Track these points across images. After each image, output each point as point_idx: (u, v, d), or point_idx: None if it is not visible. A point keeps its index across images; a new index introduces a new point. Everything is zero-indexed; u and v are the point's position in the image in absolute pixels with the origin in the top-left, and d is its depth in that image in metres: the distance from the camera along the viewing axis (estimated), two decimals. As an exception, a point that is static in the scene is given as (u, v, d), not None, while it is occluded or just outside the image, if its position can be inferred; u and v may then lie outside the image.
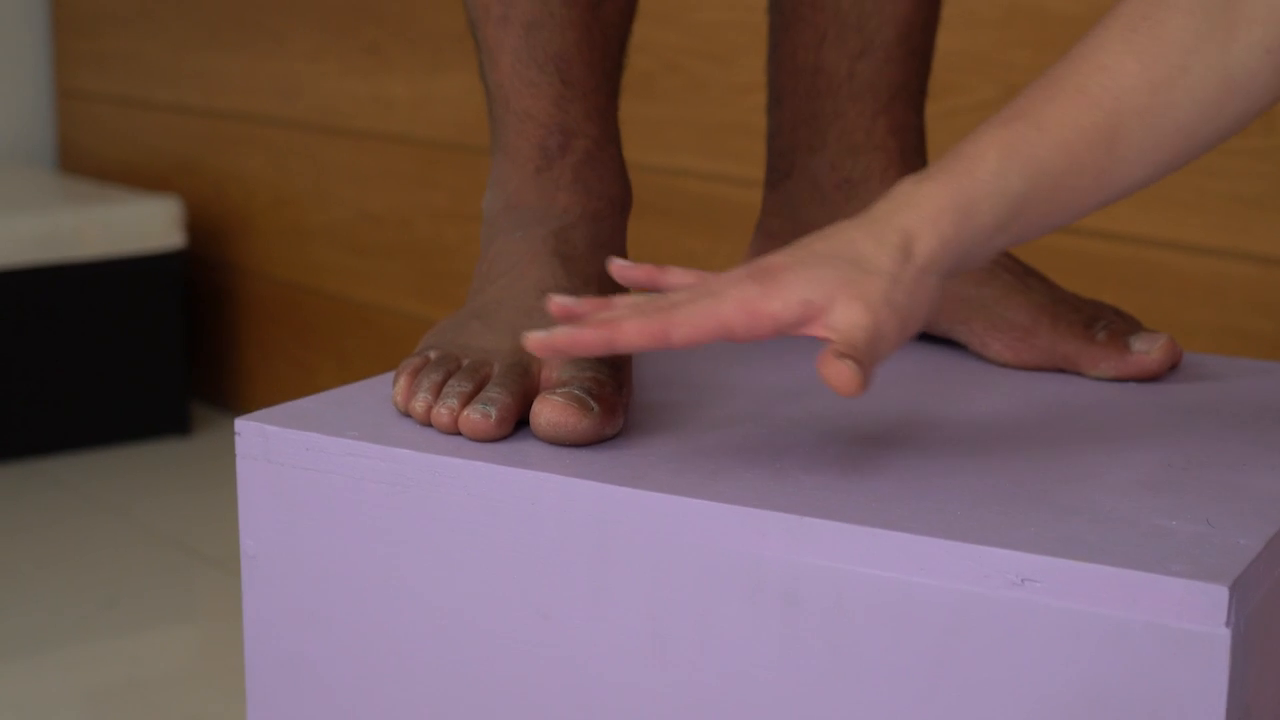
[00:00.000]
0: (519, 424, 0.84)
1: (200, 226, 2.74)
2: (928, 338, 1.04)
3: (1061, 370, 0.96)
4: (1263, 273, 1.53)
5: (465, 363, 0.86)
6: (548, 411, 0.81)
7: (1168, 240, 1.59)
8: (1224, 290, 1.56)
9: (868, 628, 0.72)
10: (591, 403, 0.81)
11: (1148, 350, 0.93)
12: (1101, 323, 0.95)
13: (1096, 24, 0.80)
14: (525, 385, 0.84)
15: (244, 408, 2.71)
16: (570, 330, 0.75)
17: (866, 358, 0.74)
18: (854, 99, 1.02)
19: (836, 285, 0.75)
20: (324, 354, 2.54)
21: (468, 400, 0.83)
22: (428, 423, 0.84)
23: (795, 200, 1.04)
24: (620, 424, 0.83)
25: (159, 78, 2.77)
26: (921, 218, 0.77)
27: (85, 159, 2.97)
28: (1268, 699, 0.73)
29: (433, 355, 0.87)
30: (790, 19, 1.03)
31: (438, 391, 0.84)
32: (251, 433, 0.86)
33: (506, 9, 0.95)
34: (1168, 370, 0.95)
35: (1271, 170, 1.51)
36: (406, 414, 0.86)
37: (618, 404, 0.83)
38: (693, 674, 0.76)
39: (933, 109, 1.76)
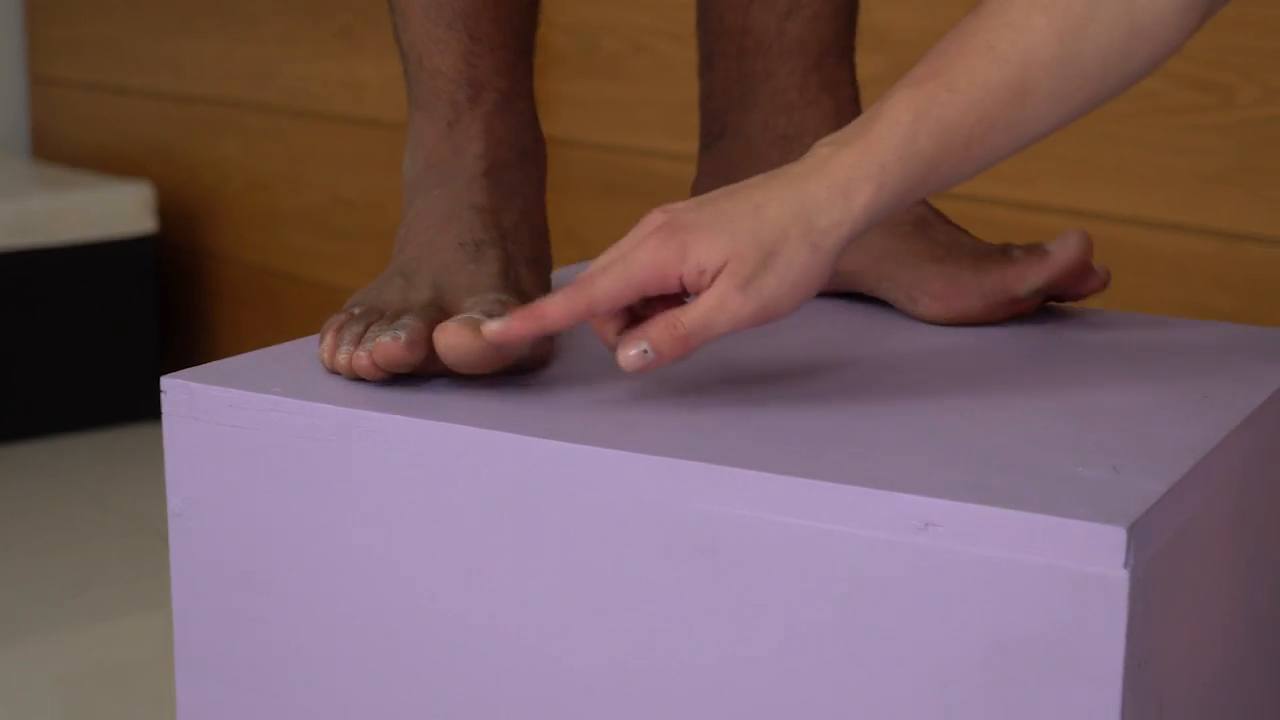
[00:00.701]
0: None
1: (173, 211, 2.74)
2: (856, 296, 1.04)
3: (991, 313, 0.97)
4: (1224, 248, 1.54)
5: (387, 314, 0.86)
6: (442, 336, 0.81)
7: (1131, 216, 1.60)
8: (1186, 265, 1.56)
9: (779, 574, 0.72)
10: (489, 322, 0.81)
11: (1064, 244, 0.95)
12: (1016, 248, 0.97)
13: None
14: (439, 318, 0.85)
15: (219, 393, 2.71)
16: (501, 324, 0.80)
17: (691, 336, 0.79)
18: (785, 57, 1.03)
19: (725, 255, 0.79)
20: (296, 338, 2.54)
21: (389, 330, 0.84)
22: (353, 374, 0.85)
23: (729, 160, 1.05)
24: (524, 348, 0.84)
25: (132, 64, 2.77)
26: (832, 185, 0.79)
27: (59, 145, 2.97)
28: (1175, 646, 0.73)
29: (356, 311, 0.88)
30: None
31: (359, 342, 0.85)
32: (177, 390, 0.87)
33: None
34: (1090, 255, 0.96)
35: (1232, 146, 1.52)
36: (334, 370, 0.86)
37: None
38: (611, 622, 0.76)
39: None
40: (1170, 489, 0.71)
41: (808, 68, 1.03)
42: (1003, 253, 0.98)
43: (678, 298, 0.82)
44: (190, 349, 2.77)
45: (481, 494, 0.79)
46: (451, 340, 0.81)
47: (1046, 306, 1.03)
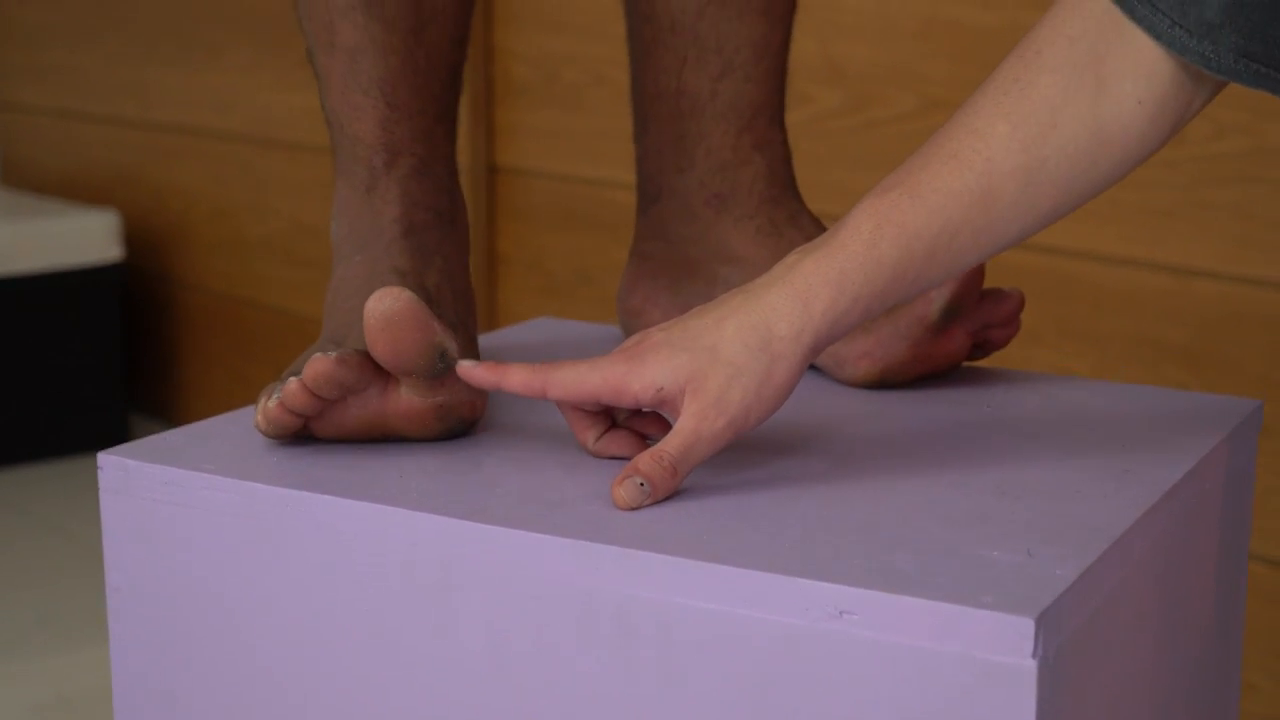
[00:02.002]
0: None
1: (139, 238, 2.74)
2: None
3: (919, 359, 0.98)
4: (1176, 283, 1.55)
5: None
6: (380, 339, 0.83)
7: (1083, 251, 1.61)
8: (1138, 300, 1.57)
9: (696, 659, 0.73)
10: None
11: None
12: (945, 309, 0.98)
13: (973, 93, 0.83)
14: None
15: (184, 420, 2.72)
16: (469, 365, 0.84)
17: (678, 464, 0.80)
18: (718, 119, 1.04)
19: (686, 376, 0.81)
20: (263, 365, 2.55)
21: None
22: (283, 415, 0.86)
23: (666, 221, 1.06)
24: (463, 409, 0.87)
25: (96, 91, 2.78)
26: (792, 293, 0.81)
27: (25, 171, 2.98)
28: (1090, 725, 0.75)
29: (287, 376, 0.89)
30: (650, 45, 1.05)
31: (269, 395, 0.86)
32: (113, 467, 0.88)
33: (332, 36, 0.98)
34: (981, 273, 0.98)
35: (1182, 181, 1.53)
36: (269, 430, 0.87)
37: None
38: (531, 704, 0.77)
39: (852, 120, 1.78)
40: (1082, 575, 0.72)
41: (740, 128, 1.04)
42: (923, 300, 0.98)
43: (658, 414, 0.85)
44: (157, 376, 2.77)
45: (406, 572, 0.80)
46: (313, 368, 0.82)
47: (976, 369, 1.04)
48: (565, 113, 2.07)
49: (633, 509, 0.79)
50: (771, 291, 0.81)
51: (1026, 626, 0.67)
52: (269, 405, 0.86)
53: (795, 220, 1.04)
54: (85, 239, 2.54)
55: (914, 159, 0.82)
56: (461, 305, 0.96)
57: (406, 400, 0.86)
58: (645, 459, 0.80)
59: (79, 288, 2.55)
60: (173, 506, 0.86)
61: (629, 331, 1.09)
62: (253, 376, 2.57)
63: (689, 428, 0.80)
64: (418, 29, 0.98)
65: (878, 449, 0.90)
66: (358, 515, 0.81)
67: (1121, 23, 0.80)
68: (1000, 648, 0.68)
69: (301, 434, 0.88)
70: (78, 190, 2.85)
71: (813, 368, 1.04)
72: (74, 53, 2.81)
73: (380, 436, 0.88)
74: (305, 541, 0.82)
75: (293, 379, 0.84)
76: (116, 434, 2.60)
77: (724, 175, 1.04)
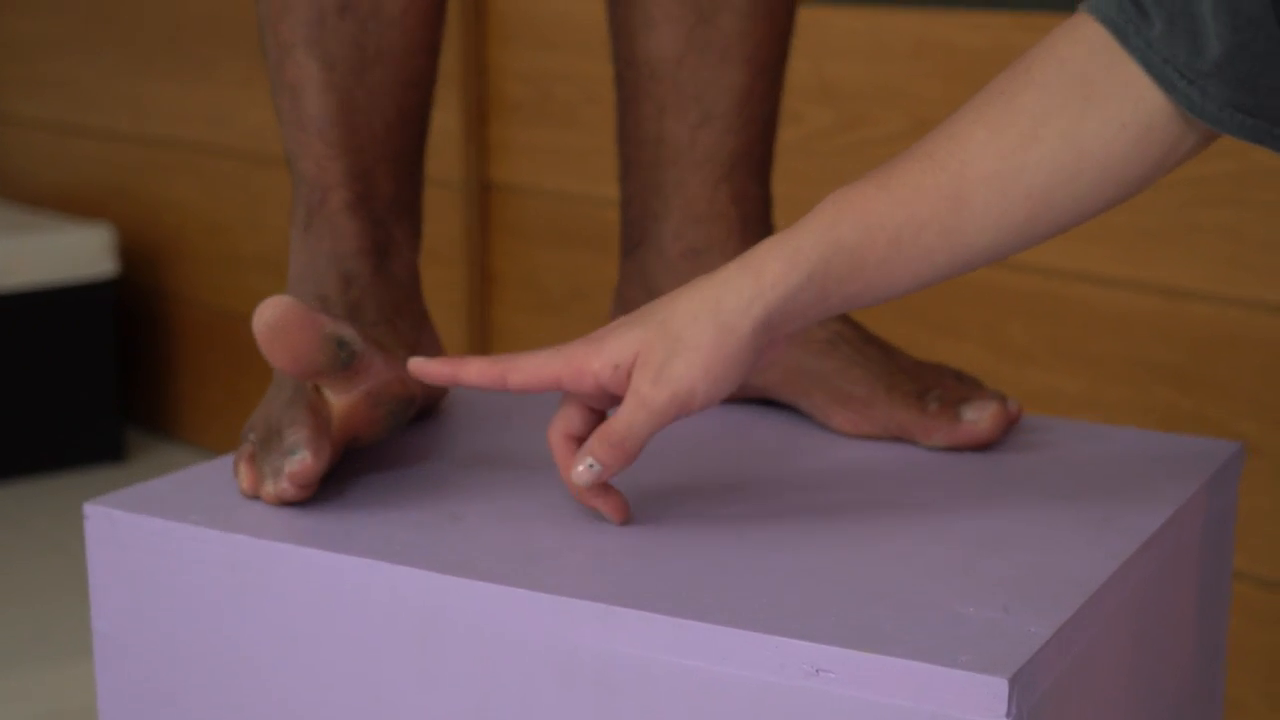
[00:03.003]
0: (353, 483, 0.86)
1: (134, 252, 2.75)
2: (773, 405, 1.06)
3: (900, 439, 0.98)
4: (1168, 304, 1.55)
5: (279, 437, 0.88)
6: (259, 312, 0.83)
7: (1074, 271, 1.61)
8: (1130, 321, 1.58)
9: (675, 714, 0.74)
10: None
11: (977, 420, 0.95)
12: (935, 393, 0.97)
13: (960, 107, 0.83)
14: (312, 403, 0.87)
15: (179, 433, 2.72)
16: (421, 360, 0.85)
17: (624, 440, 0.81)
18: (696, 168, 1.04)
19: (636, 349, 0.81)
20: (257, 380, 2.56)
21: (289, 457, 0.86)
22: (282, 503, 0.87)
23: (646, 269, 1.06)
24: (415, 390, 0.87)
25: (92, 104, 2.78)
26: (743, 267, 0.81)
27: (20, 184, 2.98)
28: (1066, 778, 0.75)
29: (253, 438, 0.90)
30: (633, 91, 1.05)
31: (276, 475, 0.86)
32: (100, 517, 0.88)
33: (280, 74, 1.00)
34: (1003, 433, 0.97)
35: (1173, 203, 1.54)
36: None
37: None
38: (514, 757, 0.78)
39: (844, 140, 1.78)
40: (1057, 632, 0.72)
41: (718, 179, 1.04)
42: (919, 397, 0.97)
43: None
44: (153, 390, 2.78)
45: (389, 625, 0.80)
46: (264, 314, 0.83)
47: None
48: (559, 130, 2.07)
49: (588, 487, 0.82)
50: (728, 269, 0.81)
51: (1000, 687, 0.68)
52: (266, 492, 0.87)
53: None
54: (80, 254, 2.55)
55: (889, 161, 0.82)
56: (392, 312, 0.96)
57: (334, 403, 0.87)
58: (593, 439, 0.81)
59: (74, 302, 2.55)
60: (158, 557, 0.87)
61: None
62: (247, 390, 2.57)
63: (630, 403, 0.81)
64: (359, 69, 0.99)
65: (857, 496, 0.90)
66: (341, 568, 0.81)
67: (1115, 50, 0.80)
68: (975, 708, 0.69)
69: None
70: (72, 203, 2.86)
71: (799, 414, 1.04)
72: (69, 66, 2.82)
73: (339, 450, 0.89)
74: (289, 594, 0.83)
75: (286, 487, 0.85)
76: (111, 449, 2.61)
77: (699, 228, 1.04)
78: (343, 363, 0.85)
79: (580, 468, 0.82)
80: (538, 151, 2.10)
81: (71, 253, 2.54)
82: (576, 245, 2.07)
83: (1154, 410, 1.57)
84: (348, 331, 0.85)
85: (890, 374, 0.98)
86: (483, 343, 2.20)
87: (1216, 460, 0.95)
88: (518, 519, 0.86)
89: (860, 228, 0.80)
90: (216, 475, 0.93)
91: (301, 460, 0.85)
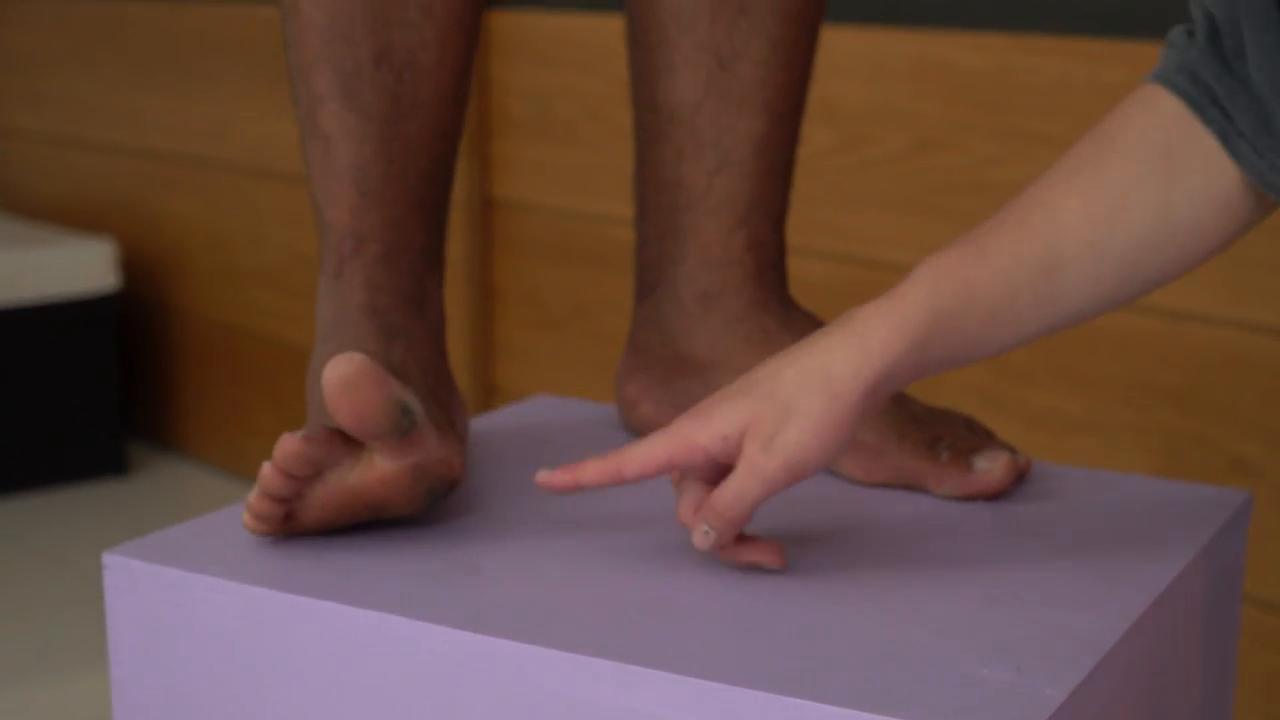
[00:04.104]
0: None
1: (135, 265, 2.75)
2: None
3: (911, 488, 0.99)
4: (1169, 326, 1.56)
5: None
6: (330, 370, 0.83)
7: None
8: (1131, 343, 1.59)
9: (693, 773, 0.75)
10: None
11: (989, 469, 0.96)
12: (946, 441, 0.98)
13: (1045, 171, 0.85)
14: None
15: (181, 447, 2.73)
16: (547, 474, 0.87)
17: (733, 508, 0.83)
18: (711, 213, 1.04)
19: (745, 419, 0.83)
20: (259, 394, 2.56)
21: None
22: (261, 502, 0.87)
23: (661, 313, 1.07)
24: (446, 471, 0.88)
25: (93, 117, 2.78)
26: (848, 334, 0.83)
27: (21, 197, 2.98)
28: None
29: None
30: (652, 135, 1.06)
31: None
32: (118, 567, 0.89)
33: (313, 123, 1.00)
34: (1012, 485, 0.97)
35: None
36: (262, 530, 0.88)
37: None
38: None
39: (845, 160, 1.79)
40: (1071, 694, 0.73)
41: (733, 225, 1.05)
42: (930, 446, 0.98)
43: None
44: (154, 403, 2.78)
45: (406, 679, 0.81)
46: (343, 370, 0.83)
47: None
48: (560, 147, 2.08)
49: (708, 551, 0.84)
50: (829, 336, 0.83)
51: (1017, 752, 0.69)
52: (250, 499, 0.87)
53: (788, 325, 1.04)
54: (82, 268, 2.55)
55: (983, 225, 0.85)
56: (433, 378, 0.97)
57: (380, 467, 0.87)
58: (706, 507, 0.83)
59: (75, 316, 2.55)
60: (176, 607, 0.87)
61: (626, 417, 1.09)
62: (248, 405, 2.58)
63: (741, 471, 0.82)
64: (394, 119, 1.00)
65: (870, 547, 0.91)
66: (359, 622, 0.82)
67: (1192, 122, 0.83)
68: (991, 772, 0.69)
69: (289, 529, 0.89)
70: (73, 216, 2.86)
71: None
72: (70, 79, 2.82)
73: (366, 514, 0.89)
74: (307, 646, 0.83)
75: (264, 463, 0.86)
76: (113, 462, 2.61)
77: (713, 273, 1.05)
78: (402, 429, 0.85)
79: (697, 535, 0.84)
80: (539, 168, 2.10)
81: (73, 267, 2.54)
82: (578, 261, 2.08)
83: (1155, 432, 1.58)
84: (413, 400, 0.86)
85: (901, 422, 0.99)
86: (485, 359, 2.20)
87: (1226, 510, 0.96)
88: (536, 570, 0.87)
89: (962, 296, 0.83)
90: (235, 523, 0.93)
91: (290, 438, 0.84)
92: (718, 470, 0.86)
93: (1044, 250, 0.83)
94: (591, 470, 0.86)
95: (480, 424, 1.13)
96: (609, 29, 2.00)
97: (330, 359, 0.94)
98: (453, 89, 1.02)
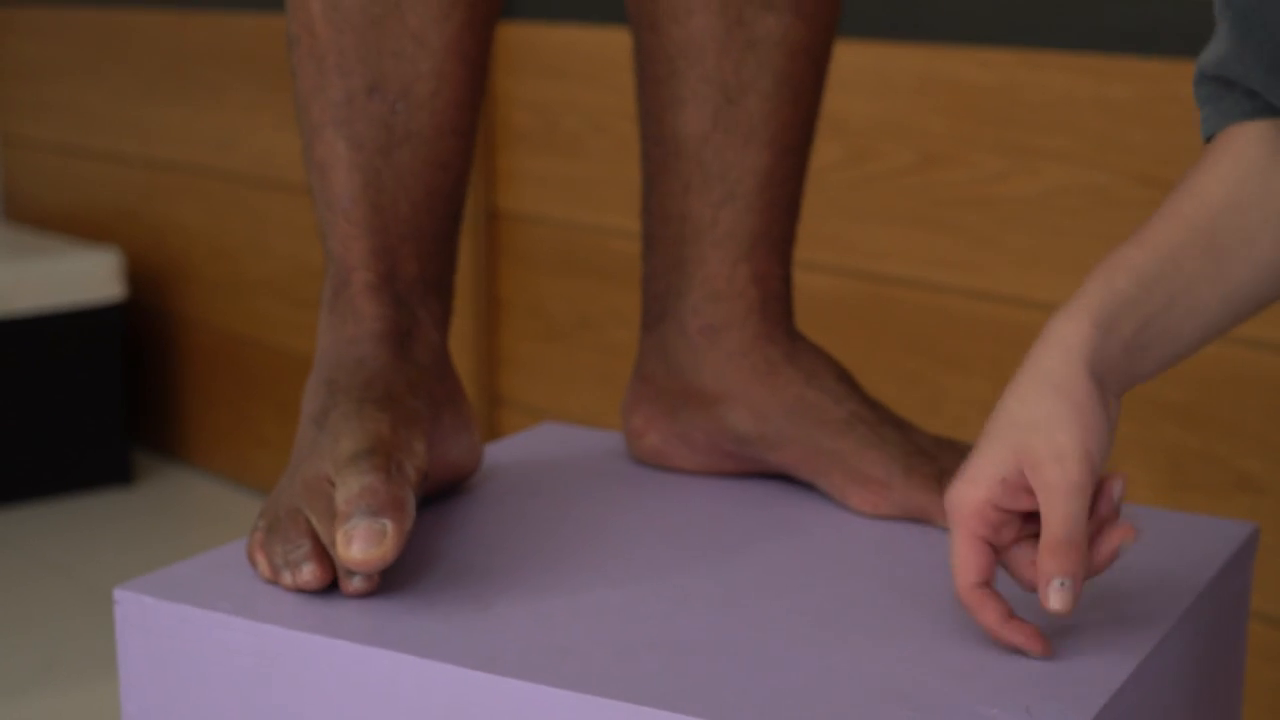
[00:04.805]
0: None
1: (141, 275, 2.76)
2: (791, 482, 1.06)
3: (918, 521, 0.99)
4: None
5: (278, 524, 0.89)
6: (346, 550, 0.85)
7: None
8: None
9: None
10: (383, 523, 0.85)
11: None
12: (952, 474, 0.98)
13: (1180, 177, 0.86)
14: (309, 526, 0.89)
15: (186, 456, 2.74)
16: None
17: (1069, 538, 0.80)
18: (716, 246, 1.04)
19: (1012, 455, 0.81)
20: (264, 404, 2.57)
21: (298, 563, 0.88)
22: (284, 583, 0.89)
23: (666, 345, 1.07)
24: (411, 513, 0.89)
25: (99, 127, 2.79)
26: (1043, 344, 0.83)
27: (27, 206, 2.99)
28: None
29: (261, 524, 0.91)
30: (658, 168, 1.06)
31: (295, 569, 0.88)
32: (129, 602, 0.89)
33: (310, 153, 1.01)
34: None
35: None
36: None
37: (403, 500, 0.88)
38: None
39: (851, 174, 1.79)
40: (1079, 736, 0.74)
41: (738, 258, 1.05)
42: (937, 479, 0.98)
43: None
44: (160, 413, 2.79)
45: (414, 717, 0.81)
46: (357, 555, 0.85)
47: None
48: (565, 159, 2.08)
49: (1069, 609, 0.79)
50: (1028, 354, 0.83)
51: (1026, 797, 0.69)
52: (284, 581, 0.89)
53: (792, 358, 1.04)
54: (88, 277, 2.56)
55: (1141, 224, 0.86)
56: (420, 403, 0.97)
57: None
58: (1043, 559, 0.79)
59: (81, 326, 2.56)
60: (187, 643, 0.88)
61: (633, 447, 1.10)
62: (254, 414, 2.58)
63: (1053, 498, 0.80)
64: (387, 149, 0.99)
65: (877, 583, 0.91)
66: (369, 660, 0.82)
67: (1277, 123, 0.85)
68: (1000, 817, 0.70)
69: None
70: (79, 226, 2.87)
71: (820, 494, 1.04)
72: (76, 89, 2.82)
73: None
74: (317, 684, 0.84)
75: (305, 573, 0.88)
76: (119, 472, 2.62)
77: (717, 305, 1.05)
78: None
79: (1052, 595, 0.79)
80: (545, 180, 2.11)
81: (79, 276, 2.55)
82: (583, 274, 2.08)
83: (1160, 448, 1.58)
84: (410, 495, 0.89)
85: (908, 455, 0.99)
86: (490, 370, 2.21)
87: (1233, 542, 0.96)
88: (547, 607, 0.87)
89: (1133, 282, 0.83)
90: (245, 558, 0.93)
91: (311, 571, 0.87)
92: (1001, 526, 0.82)
93: (1200, 231, 0.84)
94: (992, 614, 0.81)
95: (486, 454, 1.13)
96: (615, 42, 2.00)
97: (320, 402, 0.95)
98: (454, 120, 1.01)
